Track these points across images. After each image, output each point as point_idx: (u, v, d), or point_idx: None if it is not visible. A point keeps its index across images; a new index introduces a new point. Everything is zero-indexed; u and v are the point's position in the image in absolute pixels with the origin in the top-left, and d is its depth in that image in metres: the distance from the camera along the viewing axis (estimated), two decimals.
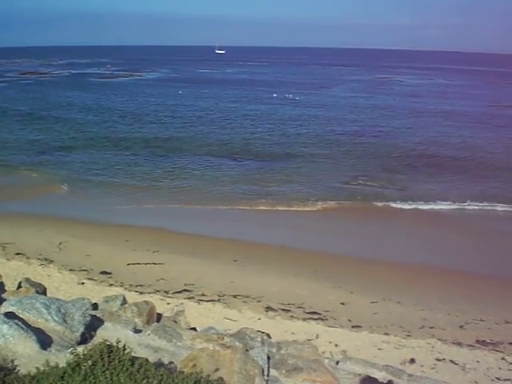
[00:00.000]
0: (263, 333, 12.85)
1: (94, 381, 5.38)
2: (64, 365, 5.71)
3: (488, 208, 33.55)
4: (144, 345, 8.02)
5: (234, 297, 19.98)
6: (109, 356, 5.65)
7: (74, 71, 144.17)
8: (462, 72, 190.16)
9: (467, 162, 45.64)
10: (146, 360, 6.07)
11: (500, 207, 33.58)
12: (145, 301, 10.96)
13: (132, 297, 17.77)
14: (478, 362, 16.25)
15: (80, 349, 6.04)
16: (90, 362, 5.56)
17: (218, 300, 19.68)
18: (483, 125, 65.46)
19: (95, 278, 21.12)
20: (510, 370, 15.86)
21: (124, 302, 11.19)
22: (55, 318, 8.05)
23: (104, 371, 5.44)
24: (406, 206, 33.17)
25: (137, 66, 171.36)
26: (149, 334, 8.45)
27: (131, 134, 54.07)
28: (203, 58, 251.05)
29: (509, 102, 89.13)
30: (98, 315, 9.22)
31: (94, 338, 7.97)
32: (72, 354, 5.82)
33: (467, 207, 33.49)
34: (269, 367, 8.12)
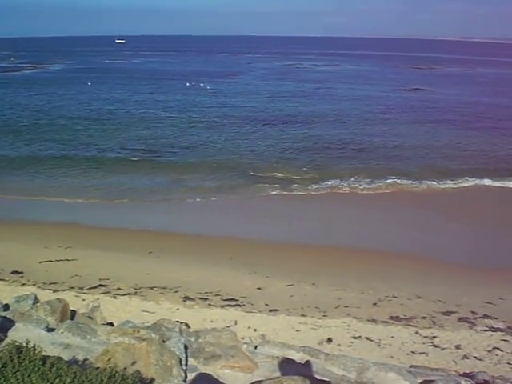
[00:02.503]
0: (182, 323, 12.84)
1: (4, 383, 5.24)
2: None
3: (398, 184, 34.91)
4: (57, 343, 7.85)
5: (151, 289, 19.85)
6: (19, 357, 5.50)
7: None
8: (367, 57, 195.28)
9: (379, 145, 47.05)
10: (58, 358, 5.95)
11: (410, 185, 34.95)
12: (57, 298, 10.71)
13: (46, 295, 17.34)
14: (392, 337, 16.80)
15: None
16: None
17: (135, 293, 19.50)
18: (395, 109, 67.72)
19: (6, 279, 20.45)
20: (423, 343, 16.49)
21: (36, 300, 10.91)
22: None
23: (15, 372, 5.30)
24: (319, 191, 33.88)
25: (41, 58, 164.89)
26: (62, 332, 8.26)
27: (42, 129, 51.90)
28: (106, 48, 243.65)
29: (412, 86, 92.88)
30: (8, 316, 8.94)
31: (5, 340, 7.74)
32: None
33: (377, 186, 34.64)
34: (186, 357, 8.12)
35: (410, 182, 35.42)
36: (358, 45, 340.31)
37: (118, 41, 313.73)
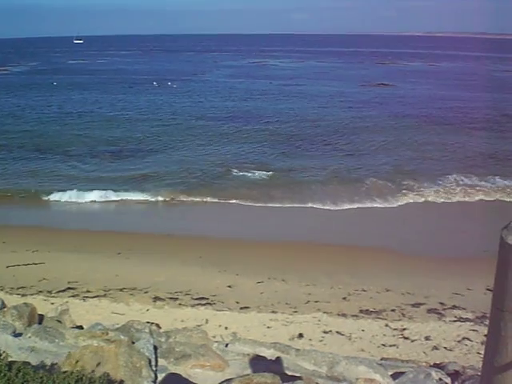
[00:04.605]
0: (152, 323, 12.79)
1: None
2: None
3: (373, 183, 34.96)
4: (25, 348, 7.76)
5: (121, 290, 19.65)
6: None
7: None
8: (332, 54, 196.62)
9: (358, 144, 47.16)
10: (25, 363, 5.89)
11: (383, 185, 34.89)
12: (25, 303, 10.60)
13: (14, 300, 17.03)
14: (363, 330, 16.87)
15: None
16: None
17: (104, 295, 19.28)
18: (368, 105, 68.36)
19: None
20: (394, 335, 16.58)
21: (3, 306, 10.79)
22: None
23: None
24: (292, 190, 33.82)
25: (2, 60, 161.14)
26: (29, 337, 8.17)
27: (11, 135, 49.89)
28: (65, 48, 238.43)
29: (377, 81, 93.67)
30: None
31: None
32: None
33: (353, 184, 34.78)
34: (156, 357, 8.10)
35: (383, 181, 35.16)
36: (322, 41, 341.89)
37: (76, 41, 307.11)
